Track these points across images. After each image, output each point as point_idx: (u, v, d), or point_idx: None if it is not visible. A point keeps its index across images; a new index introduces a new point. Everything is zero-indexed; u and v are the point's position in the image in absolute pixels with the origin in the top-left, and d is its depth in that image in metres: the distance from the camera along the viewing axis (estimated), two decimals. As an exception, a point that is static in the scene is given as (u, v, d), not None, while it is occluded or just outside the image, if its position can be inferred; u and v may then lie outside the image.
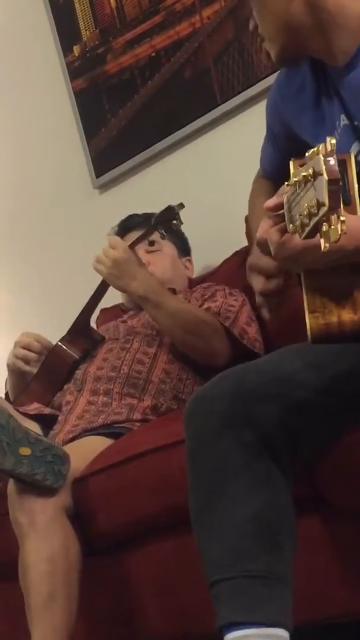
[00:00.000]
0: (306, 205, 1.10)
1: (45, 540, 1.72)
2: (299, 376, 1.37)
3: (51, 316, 2.93)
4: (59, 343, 2.28)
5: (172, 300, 2.17)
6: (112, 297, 2.41)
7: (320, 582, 1.55)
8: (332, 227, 1.06)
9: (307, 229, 1.13)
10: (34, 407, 2.14)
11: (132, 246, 2.22)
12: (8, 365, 2.30)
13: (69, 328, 2.31)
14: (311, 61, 1.60)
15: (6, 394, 2.37)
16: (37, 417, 2.09)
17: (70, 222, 3.11)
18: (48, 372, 2.26)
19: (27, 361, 2.26)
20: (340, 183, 1.06)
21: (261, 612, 1.27)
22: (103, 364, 2.21)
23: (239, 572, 1.29)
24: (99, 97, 2.97)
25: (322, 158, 1.07)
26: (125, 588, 1.83)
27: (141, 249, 2.32)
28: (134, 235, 2.38)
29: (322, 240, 1.08)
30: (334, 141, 1.09)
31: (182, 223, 2.24)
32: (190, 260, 2.56)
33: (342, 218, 1.06)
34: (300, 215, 1.13)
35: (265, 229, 1.34)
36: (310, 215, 1.10)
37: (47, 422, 2.12)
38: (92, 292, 2.33)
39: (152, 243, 2.38)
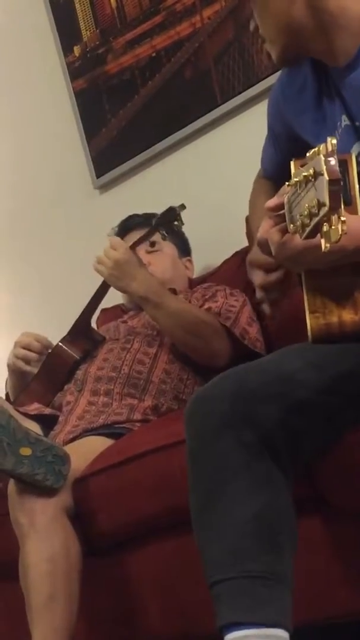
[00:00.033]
0: (307, 205, 1.10)
1: (45, 541, 1.72)
2: (300, 376, 1.37)
3: (51, 316, 2.93)
4: (60, 343, 2.28)
5: (172, 301, 2.17)
6: (113, 298, 2.41)
7: (320, 582, 1.55)
8: (333, 227, 1.06)
9: (308, 229, 1.13)
10: (35, 408, 2.14)
11: (133, 247, 2.22)
12: (8, 365, 2.30)
13: (69, 328, 2.31)
14: (312, 62, 1.60)
15: (6, 394, 2.38)
16: (37, 418, 2.09)
17: (70, 222, 3.11)
18: (48, 372, 2.26)
19: (27, 361, 2.26)
20: (341, 183, 1.06)
21: (261, 612, 1.27)
22: (103, 364, 2.21)
23: (239, 573, 1.29)
24: (99, 98, 2.97)
25: (322, 158, 1.07)
26: (126, 588, 1.83)
27: (142, 249, 2.32)
28: (134, 235, 2.39)
29: (322, 241, 1.09)
30: (334, 141, 1.09)
31: (183, 224, 2.24)
32: (190, 261, 2.56)
33: (342, 218, 1.06)
34: (301, 215, 1.13)
35: (266, 229, 1.35)
36: (311, 216, 1.10)
37: (47, 422, 2.12)
38: (92, 292, 2.33)
39: (153, 244, 2.39)
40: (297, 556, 1.34)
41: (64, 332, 2.31)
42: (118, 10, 2.91)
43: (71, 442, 2.00)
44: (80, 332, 2.31)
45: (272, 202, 1.31)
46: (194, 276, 2.57)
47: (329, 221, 1.07)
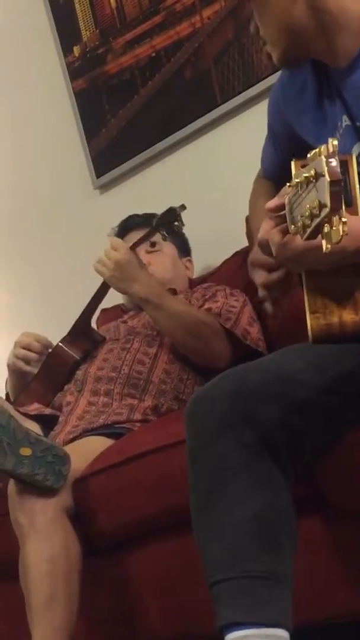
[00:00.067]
0: (308, 206, 1.10)
1: (45, 541, 1.72)
2: (300, 376, 1.37)
3: (51, 316, 2.93)
4: (60, 343, 2.28)
5: (172, 303, 2.17)
6: (113, 298, 2.41)
7: (320, 582, 1.55)
8: (334, 228, 1.06)
9: (309, 230, 1.13)
10: (35, 408, 2.14)
11: (134, 247, 2.22)
12: (8, 366, 2.30)
13: (69, 328, 2.31)
14: (313, 62, 1.60)
15: (6, 394, 2.37)
16: (37, 418, 2.09)
17: (70, 223, 3.11)
18: (48, 372, 2.26)
19: (27, 361, 2.26)
20: (342, 184, 1.06)
21: (261, 612, 1.27)
22: (103, 364, 2.21)
23: (239, 573, 1.29)
24: (99, 98, 2.97)
25: (324, 159, 1.07)
26: (126, 588, 1.83)
27: (142, 249, 2.32)
28: (134, 235, 2.39)
29: (323, 242, 1.09)
30: (335, 142, 1.09)
31: (183, 225, 2.24)
32: (190, 261, 2.56)
33: (343, 219, 1.06)
34: (301, 216, 1.13)
35: (267, 229, 1.35)
36: (312, 217, 1.10)
37: (47, 422, 2.12)
38: (92, 292, 2.33)
39: (153, 244, 2.39)
40: (297, 556, 1.34)
41: (64, 332, 2.31)
42: (118, 10, 2.91)
43: (71, 442, 2.00)
44: (81, 332, 2.31)
45: (273, 202, 1.31)
46: (194, 276, 2.57)
47: (330, 222, 1.07)
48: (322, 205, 1.07)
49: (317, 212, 1.08)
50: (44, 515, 1.74)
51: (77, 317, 2.33)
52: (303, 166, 1.18)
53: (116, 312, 2.60)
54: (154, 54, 2.81)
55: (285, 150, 1.70)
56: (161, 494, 1.71)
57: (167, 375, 2.18)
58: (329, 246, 1.08)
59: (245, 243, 2.37)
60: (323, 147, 1.09)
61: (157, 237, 2.30)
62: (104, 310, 2.63)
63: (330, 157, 1.07)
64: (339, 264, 1.33)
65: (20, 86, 3.23)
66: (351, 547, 1.53)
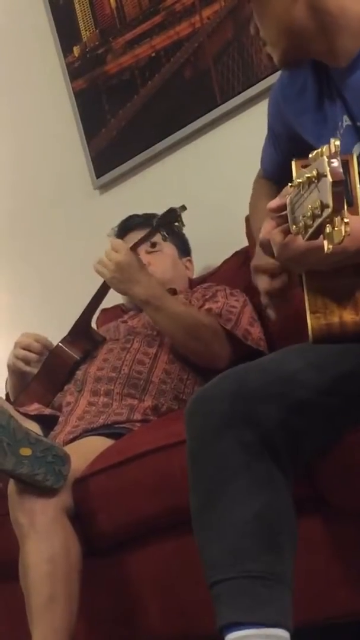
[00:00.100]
0: (310, 206, 1.10)
1: (45, 541, 1.72)
2: (300, 376, 1.37)
3: (51, 316, 2.93)
4: (60, 344, 2.28)
5: (173, 304, 2.17)
6: (113, 298, 2.41)
7: (320, 582, 1.55)
8: (336, 228, 1.06)
9: (311, 231, 1.13)
10: (35, 408, 2.13)
11: (134, 248, 2.22)
12: (8, 366, 2.30)
13: (69, 329, 2.31)
14: (313, 62, 1.60)
15: (6, 395, 2.37)
16: (37, 418, 2.09)
17: (70, 223, 3.11)
18: (48, 372, 2.26)
19: (27, 362, 2.26)
20: (344, 185, 1.06)
21: (261, 612, 1.27)
22: (103, 364, 2.21)
23: (239, 573, 1.29)
24: (99, 98, 2.97)
25: (326, 159, 1.07)
26: (126, 588, 1.83)
27: (142, 249, 2.32)
28: (134, 235, 2.39)
29: (325, 242, 1.08)
30: (337, 143, 1.09)
31: (184, 225, 2.24)
32: (190, 261, 2.57)
33: (345, 220, 1.06)
34: (303, 216, 1.13)
35: (268, 230, 1.35)
36: (314, 217, 1.10)
37: (47, 422, 2.12)
38: (92, 293, 2.33)
39: (153, 244, 2.39)
40: (297, 556, 1.34)
41: (64, 333, 2.30)
42: (117, 10, 2.91)
43: (71, 442, 2.00)
44: (81, 332, 2.31)
45: (274, 203, 1.31)
46: (194, 276, 2.57)
47: (331, 223, 1.07)
48: (324, 206, 1.07)
49: (319, 213, 1.08)
50: (44, 515, 1.74)
51: (77, 317, 2.33)
52: (304, 166, 1.18)
53: (116, 312, 2.60)
54: (153, 54, 2.81)
55: (285, 150, 1.70)
56: (161, 494, 1.71)
57: (167, 375, 2.18)
58: (330, 246, 1.08)
59: (245, 243, 2.37)
60: (325, 147, 1.09)
61: (157, 238, 2.31)
62: (104, 310, 2.63)
63: (333, 158, 1.07)
64: (340, 264, 1.33)
65: (20, 86, 3.23)
66: (351, 547, 1.53)
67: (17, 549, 1.76)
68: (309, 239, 1.16)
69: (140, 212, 2.53)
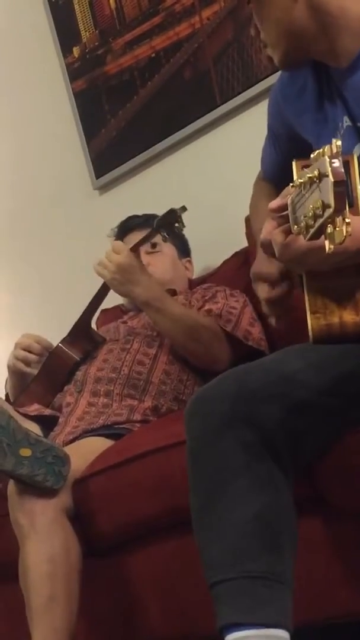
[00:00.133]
0: (311, 206, 1.10)
1: (45, 542, 1.72)
2: (301, 377, 1.37)
3: (51, 317, 2.93)
4: (60, 344, 2.28)
5: (173, 306, 2.17)
6: (112, 298, 2.41)
7: (320, 582, 1.55)
8: (337, 228, 1.06)
9: (312, 231, 1.13)
10: (34, 408, 2.13)
11: (135, 249, 2.22)
12: (8, 367, 2.30)
13: (69, 329, 2.31)
14: (313, 63, 1.60)
15: (6, 395, 2.37)
16: (37, 418, 2.09)
17: (70, 223, 3.11)
18: (48, 373, 2.26)
19: (27, 363, 2.26)
20: (346, 185, 1.06)
21: (261, 612, 1.27)
22: (103, 365, 2.21)
23: (239, 573, 1.29)
24: (98, 98, 2.97)
25: (327, 159, 1.07)
26: (126, 589, 1.82)
27: (142, 250, 2.31)
28: (134, 236, 2.39)
29: (326, 242, 1.08)
30: (339, 143, 1.09)
31: (184, 226, 2.23)
32: (190, 261, 2.56)
33: (347, 220, 1.06)
34: (305, 216, 1.13)
35: (269, 230, 1.35)
36: (315, 217, 1.10)
37: (47, 423, 2.12)
38: (92, 293, 2.32)
39: (154, 245, 2.39)
40: (297, 556, 1.34)
41: (64, 333, 2.30)
42: (117, 11, 2.91)
43: (71, 443, 2.00)
44: (81, 333, 2.31)
45: (275, 203, 1.31)
46: (194, 277, 2.57)
47: (333, 223, 1.07)
48: (325, 206, 1.07)
49: (321, 213, 1.08)
50: (44, 516, 1.74)
51: (77, 317, 2.33)
52: (304, 166, 1.18)
53: (116, 312, 2.60)
54: (153, 55, 2.81)
55: (285, 150, 1.70)
56: (161, 495, 1.71)
57: (167, 376, 2.18)
58: (331, 247, 1.08)
59: (244, 243, 2.37)
60: (327, 147, 1.09)
61: (157, 239, 2.31)
62: (103, 311, 2.63)
63: (334, 158, 1.07)
64: (341, 264, 1.33)
65: (20, 87, 3.23)
66: (351, 547, 1.53)
67: (17, 549, 1.76)
68: (310, 239, 1.16)
69: (140, 212, 2.53)
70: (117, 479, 1.78)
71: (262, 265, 1.51)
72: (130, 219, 2.53)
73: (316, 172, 1.09)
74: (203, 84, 2.68)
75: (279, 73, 1.72)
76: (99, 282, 2.27)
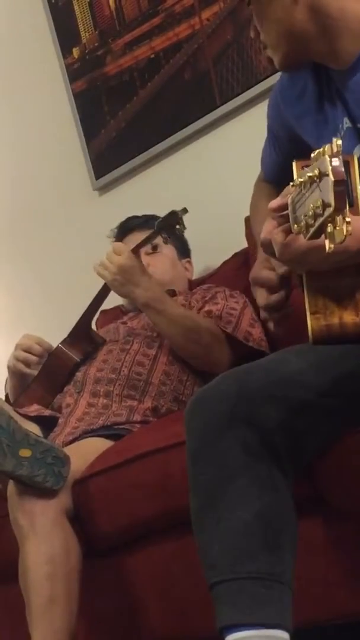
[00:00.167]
0: (311, 205, 1.10)
1: (45, 542, 1.72)
2: (301, 377, 1.37)
3: (51, 317, 2.93)
4: (60, 345, 2.28)
5: (174, 308, 2.17)
6: (112, 299, 2.41)
7: (320, 582, 1.55)
8: (338, 228, 1.06)
9: (312, 230, 1.13)
10: (34, 409, 2.13)
11: (136, 250, 2.22)
12: (8, 367, 2.30)
13: (69, 330, 2.31)
14: (313, 64, 1.59)
15: (6, 396, 2.37)
16: (37, 419, 2.09)
17: (70, 224, 3.11)
18: (48, 374, 2.26)
19: (27, 364, 2.26)
20: (346, 184, 1.06)
21: (261, 613, 1.27)
22: (103, 365, 2.21)
23: (239, 573, 1.29)
24: (98, 99, 2.97)
25: (327, 158, 1.07)
26: (126, 589, 1.82)
27: (142, 251, 2.32)
28: (134, 236, 2.39)
29: (326, 241, 1.08)
30: (340, 142, 1.09)
31: (185, 228, 2.23)
32: (190, 262, 2.57)
33: (347, 219, 1.06)
34: (305, 215, 1.13)
35: (270, 229, 1.35)
36: (316, 216, 1.09)
37: (47, 424, 2.12)
38: (92, 294, 2.32)
39: (155, 247, 2.39)
40: (297, 556, 1.34)
41: (64, 333, 2.30)
42: (117, 11, 2.91)
43: (71, 443, 2.00)
44: (81, 334, 2.31)
45: (275, 202, 1.31)
46: (194, 277, 2.57)
47: (333, 222, 1.06)
48: (325, 205, 1.07)
49: (321, 212, 1.08)
50: (44, 516, 1.74)
51: (77, 318, 2.33)
52: (305, 167, 1.17)
53: (116, 313, 2.60)
54: (153, 56, 2.82)
55: (285, 151, 1.70)
56: (161, 495, 1.71)
57: (167, 376, 2.18)
58: (332, 246, 1.08)
59: (244, 244, 2.37)
60: (327, 147, 1.09)
61: (158, 240, 2.31)
62: (103, 312, 2.63)
63: (334, 157, 1.07)
64: (341, 264, 1.33)
65: (19, 88, 3.23)
66: (351, 547, 1.53)
67: (16, 550, 1.76)
68: (311, 238, 1.15)
69: (139, 213, 2.53)
70: (117, 479, 1.78)
71: (261, 270, 1.51)
72: (130, 219, 2.53)
73: (316, 171, 1.09)
74: (203, 84, 2.68)
75: (278, 74, 1.72)
76: (99, 282, 2.27)
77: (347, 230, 1.05)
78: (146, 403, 2.12)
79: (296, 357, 1.42)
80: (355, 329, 1.39)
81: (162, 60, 2.79)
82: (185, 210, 2.21)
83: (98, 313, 2.50)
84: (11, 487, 1.78)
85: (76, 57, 3.02)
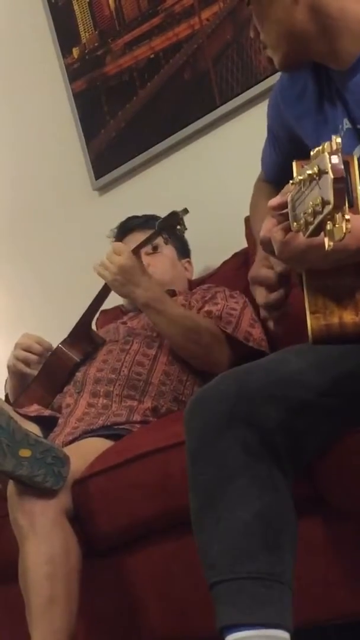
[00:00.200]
0: (311, 203, 1.10)
1: (45, 542, 1.72)
2: (300, 377, 1.37)
3: (51, 317, 2.93)
4: (60, 345, 2.27)
5: (174, 308, 2.17)
6: (112, 299, 2.41)
7: (320, 582, 1.55)
8: (337, 225, 1.05)
9: (312, 228, 1.12)
10: (34, 409, 2.13)
11: (136, 251, 2.22)
12: (8, 367, 2.30)
13: (69, 329, 2.31)
14: (313, 64, 1.59)
15: (6, 396, 2.37)
16: (37, 419, 2.09)
17: (70, 224, 3.11)
18: (48, 374, 2.25)
19: (27, 363, 2.26)
20: (345, 182, 1.06)
21: (261, 613, 1.27)
22: (103, 365, 2.20)
23: (239, 574, 1.29)
24: (98, 99, 2.97)
25: (327, 156, 1.07)
26: (126, 589, 1.82)
27: (141, 251, 2.31)
28: (134, 236, 2.39)
29: (326, 239, 1.08)
30: (339, 140, 1.08)
31: (186, 229, 2.23)
32: (190, 262, 2.57)
33: (347, 217, 1.05)
34: (304, 213, 1.13)
35: (269, 227, 1.35)
36: (315, 214, 1.09)
37: (47, 424, 2.12)
38: (92, 294, 2.32)
39: (155, 247, 2.39)
40: (297, 556, 1.34)
41: (64, 333, 2.30)
42: (116, 11, 2.91)
43: (71, 443, 2.00)
44: (81, 334, 2.30)
45: (275, 200, 1.31)
46: (194, 277, 2.57)
47: (332, 219, 1.06)
48: (325, 202, 1.06)
49: (320, 209, 1.08)
50: (44, 516, 1.74)
51: (77, 318, 2.32)
52: (305, 166, 1.17)
53: (116, 313, 2.60)
54: (152, 56, 2.82)
55: (285, 151, 1.70)
56: (161, 495, 1.71)
57: (167, 376, 2.18)
58: (331, 244, 1.07)
59: (244, 244, 2.37)
60: (326, 144, 1.09)
61: (158, 241, 2.31)
62: (103, 312, 2.62)
63: (334, 154, 1.07)
64: (340, 262, 1.33)
65: (19, 88, 3.23)
66: (351, 547, 1.53)
67: (16, 550, 1.76)
68: (310, 236, 1.15)
69: (139, 213, 2.53)
70: (116, 479, 1.78)
71: (260, 269, 1.51)
72: (130, 219, 2.53)
73: (316, 169, 1.09)
74: (202, 84, 2.68)
75: (278, 74, 1.72)
76: (99, 282, 2.27)
77: (346, 228, 1.05)
78: (146, 403, 2.12)
79: (296, 357, 1.42)
80: (355, 329, 1.39)
81: (161, 60, 2.79)
82: (186, 211, 2.21)
83: (98, 313, 2.51)
84: (11, 487, 1.78)
85: (76, 57, 3.03)
